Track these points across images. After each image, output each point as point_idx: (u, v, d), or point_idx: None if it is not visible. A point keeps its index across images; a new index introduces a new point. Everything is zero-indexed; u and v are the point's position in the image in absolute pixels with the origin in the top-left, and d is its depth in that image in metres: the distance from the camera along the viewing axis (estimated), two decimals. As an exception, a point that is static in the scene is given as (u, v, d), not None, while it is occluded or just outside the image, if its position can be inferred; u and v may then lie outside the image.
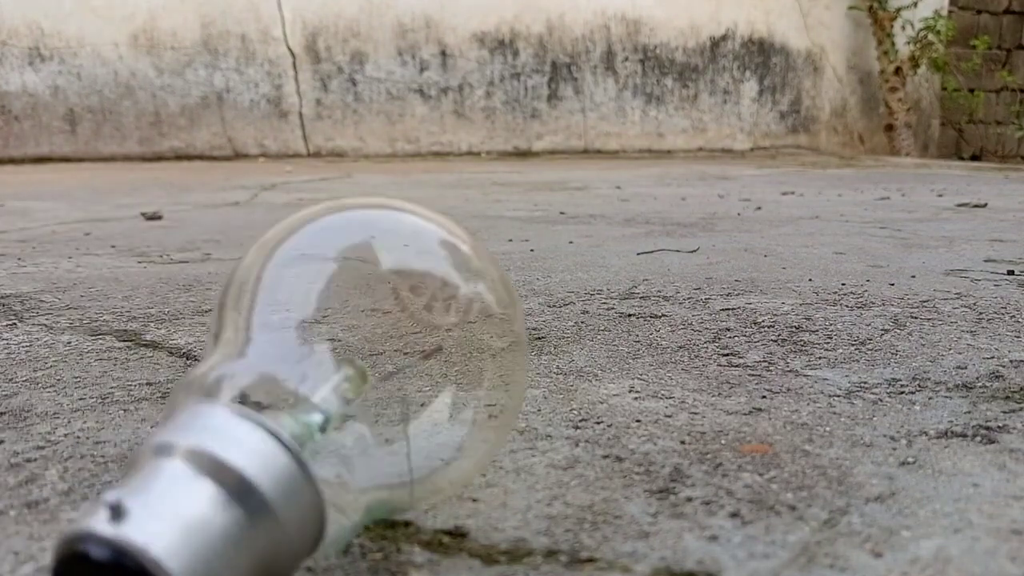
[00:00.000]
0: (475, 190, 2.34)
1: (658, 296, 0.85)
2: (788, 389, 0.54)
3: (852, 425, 0.47)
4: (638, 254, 1.15)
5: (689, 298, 0.84)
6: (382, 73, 3.97)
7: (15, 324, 0.73)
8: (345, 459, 0.29)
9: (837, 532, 0.34)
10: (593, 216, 1.66)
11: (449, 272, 0.37)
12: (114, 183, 2.52)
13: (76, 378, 0.57)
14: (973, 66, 5.01)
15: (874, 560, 0.32)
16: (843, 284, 0.91)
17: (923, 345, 0.65)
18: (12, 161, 3.42)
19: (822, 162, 3.94)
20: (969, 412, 0.49)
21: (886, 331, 0.69)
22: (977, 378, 0.56)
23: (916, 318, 0.74)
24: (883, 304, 0.80)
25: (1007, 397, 0.52)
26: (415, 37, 4.00)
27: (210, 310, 0.79)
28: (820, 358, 0.61)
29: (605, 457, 0.43)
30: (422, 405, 0.34)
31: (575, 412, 0.50)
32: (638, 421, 0.48)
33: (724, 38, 4.58)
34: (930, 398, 0.52)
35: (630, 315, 0.77)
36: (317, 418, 0.29)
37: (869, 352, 0.63)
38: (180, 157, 3.67)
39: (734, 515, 0.36)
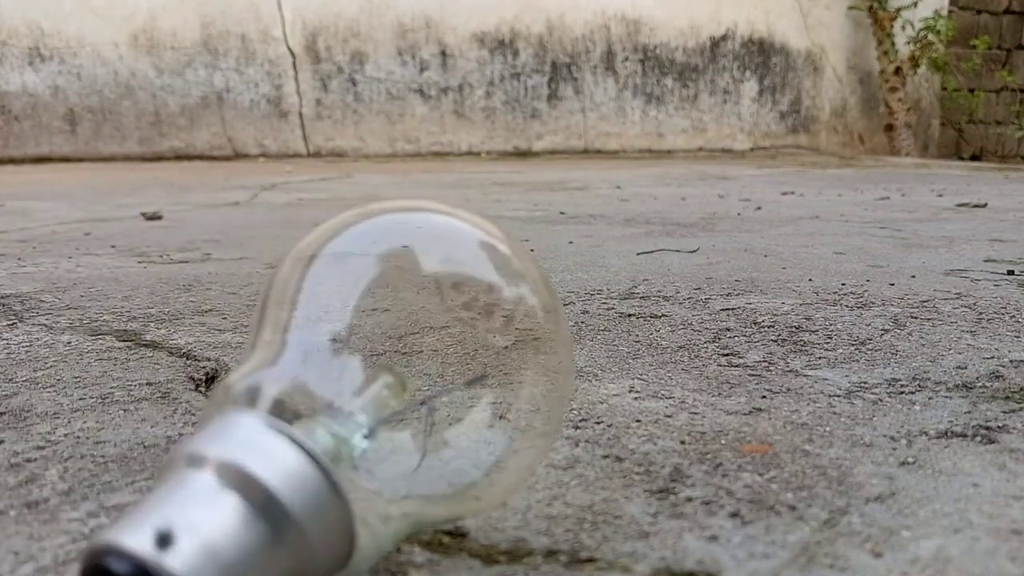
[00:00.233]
0: (475, 190, 2.34)
1: (658, 296, 0.85)
2: (788, 389, 0.54)
3: (852, 425, 0.47)
4: (638, 254, 1.15)
5: (689, 298, 0.84)
6: (382, 73, 3.97)
7: (15, 324, 0.73)
8: (382, 470, 0.29)
9: (837, 532, 0.34)
10: (593, 216, 1.66)
11: (492, 276, 0.36)
12: (114, 183, 2.52)
13: (76, 378, 0.57)
14: (973, 66, 5.01)
15: (874, 560, 0.32)
16: (843, 284, 0.91)
17: (923, 345, 0.65)
18: (12, 161, 3.42)
19: (822, 162, 3.94)
20: (969, 412, 0.49)
21: (886, 331, 0.69)
22: (977, 378, 0.56)
23: (916, 318, 0.74)
24: (883, 304, 0.80)
25: (1007, 397, 0.52)
26: (415, 37, 4.00)
27: (210, 310, 0.79)
28: (820, 358, 0.61)
29: (605, 457, 0.43)
30: (463, 412, 0.33)
31: (575, 412, 0.50)
32: (638, 421, 0.48)
33: (724, 38, 4.58)
34: (930, 398, 0.52)
35: (630, 315, 0.77)
36: (354, 429, 0.28)
37: (869, 352, 0.63)
38: (180, 157, 3.67)
39: (734, 515, 0.36)
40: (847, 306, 0.79)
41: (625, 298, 0.84)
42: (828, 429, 0.47)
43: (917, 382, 0.55)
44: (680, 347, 0.65)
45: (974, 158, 5.17)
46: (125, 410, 0.50)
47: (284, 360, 0.30)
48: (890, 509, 0.36)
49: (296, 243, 0.36)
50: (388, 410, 0.30)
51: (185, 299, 0.84)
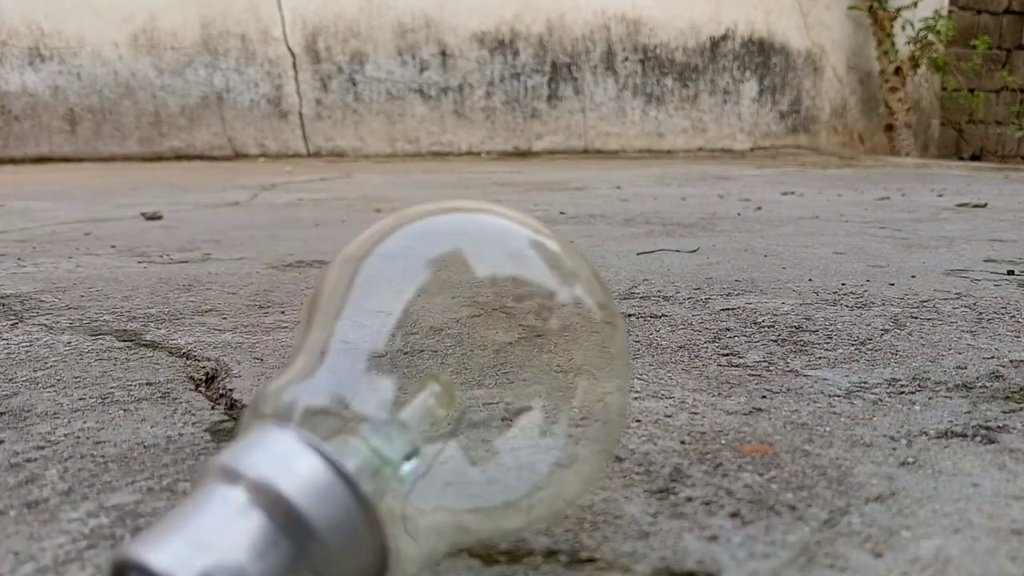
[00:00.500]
0: (475, 190, 2.34)
1: (658, 296, 0.85)
2: (788, 389, 0.54)
3: (852, 425, 0.47)
4: (638, 254, 1.15)
5: (689, 298, 0.84)
6: (382, 73, 3.97)
7: (15, 324, 0.73)
8: (426, 483, 0.28)
9: (837, 532, 0.34)
10: (593, 216, 1.66)
11: (545, 277, 0.34)
12: (114, 183, 2.52)
13: (76, 378, 0.57)
14: (973, 66, 5.01)
15: (874, 560, 0.32)
16: (843, 284, 0.91)
17: (923, 345, 0.65)
18: (12, 161, 3.42)
19: (822, 162, 3.94)
20: (969, 412, 0.49)
21: (886, 331, 0.69)
22: (977, 378, 0.56)
23: (916, 318, 0.74)
24: (883, 304, 0.80)
25: (1007, 397, 0.52)
26: (415, 37, 4.00)
27: (210, 310, 0.79)
28: (820, 358, 0.61)
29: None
30: (513, 418, 0.32)
31: (575, 411, 0.50)
32: (638, 421, 0.48)
33: (724, 38, 4.59)
34: (930, 398, 0.52)
35: (630, 315, 0.76)
36: (397, 442, 0.27)
37: (869, 352, 0.63)
38: (180, 157, 3.67)
39: (734, 515, 0.36)
40: (847, 306, 0.79)
41: (625, 298, 0.84)
42: (828, 429, 0.47)
43: (917, 382, 0.55)
44: (680, 347, 0.65)
45: (974, 158, 5.17)
46: (125, 410, 0.50)
47: (326, 369, 0.29)
48: (890, 509, 0.36)
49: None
50: (435, 421, 0.29)
51: (185, 299, 0.84)
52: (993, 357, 0.61)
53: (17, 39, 3.44)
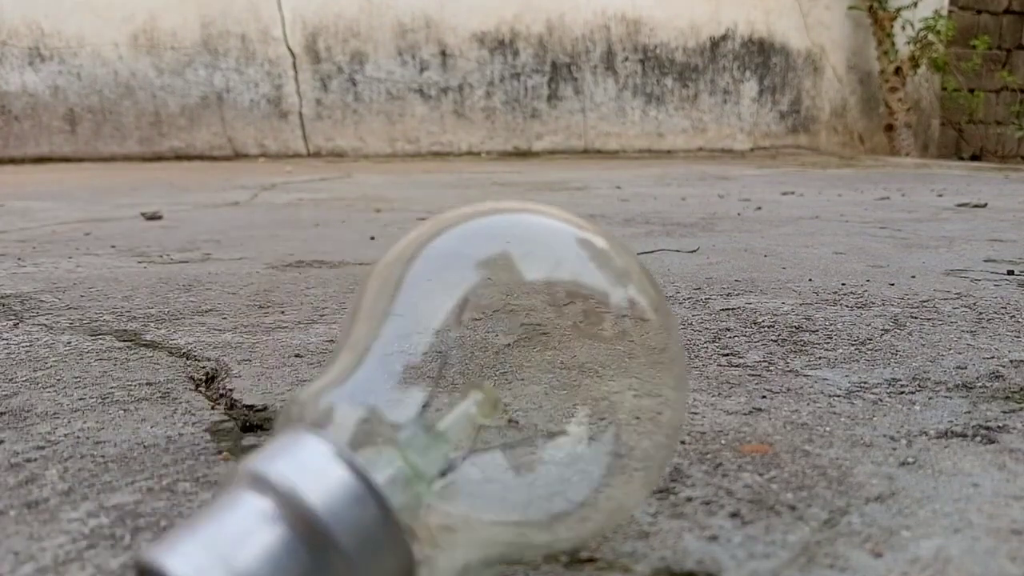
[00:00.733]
0: (475, 190, 2.34)
1: (658, 296, 0.85)
2: (788, 389, 0.54)
3: (852, 425, 0.47)
4: (638, 254, 1.15)
5: (689, 298, 0.84)
6: (382, 73, 3.97)
7: (15, 324, 0.73)
8: (461, 495, 0.27)
9: (837, 532, 0.34)
10: (593, 216, 1.66)
11: (597, 278, 0.33)
12: (114, 183, 2.52)
13: (76, 378, 0.57)
14: (973, 66, 5.01)
15: (874, 560, 0.32)
16: (843, 284, 0.91)
17: (923, 345, 0.65)
18: (12, 161, 3.42)
19: (822, 162, 3.94)
20: (969, 412, 0.49)
21: (886, 331, 0.69)
22: (977, 378, 0.56)
23: (916, 318, 0.74)
24: (883, 304, 0.80)
25: (1007, 397, 0.52)
26: (415, 37, 4.00)
27: (210, 310, 0.79)
28: (820, 358, 0.61)
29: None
30: (557, 430, 0.30)
31: (575, 409, 0.50)
32: (637, 419, 0.48)
33: (724, 38, 4.59)
34: (930, 398, 0.52)
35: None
36: (436, 451, 0.27)
37: (869, 352, 0.63)
38: (180, 157, 3.67)
39: (734, 515, 0.36)
40: (847, 306, 0.79)
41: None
42: (828, 429, 0.46)
43: (917, 382, 0.55)
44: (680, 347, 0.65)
45: (974, 158, 5.17)
46: (125, 410, 0.50)
47: (365, 374, 0.28)
48: (890, 509, 0.36)
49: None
50: (477, 430, 0.28)
51: (185, 299, 0.84)
52: (993, 357, 0.61)
53: (17, 39, 3.44)
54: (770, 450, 0.43)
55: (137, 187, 2.38)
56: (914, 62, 4.76)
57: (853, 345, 0.65)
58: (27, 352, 0.63)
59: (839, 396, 0.52)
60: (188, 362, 0.61)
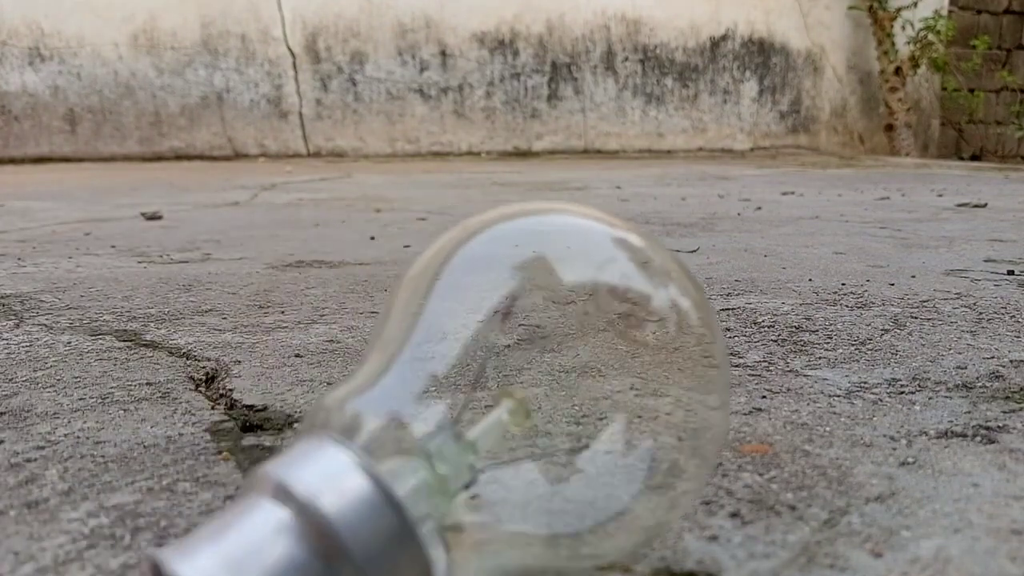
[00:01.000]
0: (475, 190, 2.34)
1: (658, 296, 0.85)
2: (788, 389, 0.54)
3: (852, 425, 0.47)
4: (638, 254, 1.14)
5: (689, 298, 0.84)
6: (382, 73, 3.97)
7: (15, 324, 0.73)
8: (490, 507, 0.26)
9: (837, 532, 0.34)
10: (593, 216, 1.66)
11: (637, 281, 0.32)
12: (114, 183, 2.52)
13: (76, 378, 0.57)
14: (973, 66, 5.01)
15: (874, 560, 0.32)
16: (843, 284, 0.91)
17: (923, 345, 0.65)
18: (12, 161, 3.42)
19: (822, 162, 3.94)
20: (969, 412, 0.49)
21: (886, 331, 0.69)
22: (977, 378, 0.56)
23: (916, 318, 0.74)
24: (883, 304, 0.80)
25: (1007, 397, 0.52)
26: (415, 37, 4.00)
27: (210, 310, 0.79)
28: (820, 358, 0.61)
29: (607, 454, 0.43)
30: (591, 438, 0.29)
31: (576, 409, 0.50)
32: (639, 417, 0.48)
33: (724, 38, 4.59)
34: (930, 398, 0.52)
35: (630, 315, 0.76)
36: (460, 463, 0.26)
37: (869, 352, 0.63)
38: (180, 157, 3.67)
39: (734, 515, 0.36)
40: (847, 306, 0.79)
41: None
42: (828, 429, 0.46)
43: (917, 382, 0.55)
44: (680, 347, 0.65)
45: (974, 158, 5.17)
46: (125, 410, 0.50)
47: (393, 380, 0.27)
48: (890, 509, 0.36)
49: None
50: (508, 439, 0.27)
51: (185, 299, 0.84)
52: (993, 357, 0.61)
53: (17, 39, 3.44)
54: (770, 450, 0.43)
55: (137, 187, 2.38)
56: (914, 62, 4.76)
57: (853, 345, 0.65)
58: (27, 352, 0.63)
59: (839, 396, 0.52)
60: (188, 362, 0.61)
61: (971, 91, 5.10)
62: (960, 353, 0.62)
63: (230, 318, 0.75)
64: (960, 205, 1.89)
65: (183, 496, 0.38)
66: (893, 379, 0.56)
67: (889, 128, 4.83)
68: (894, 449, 0.43)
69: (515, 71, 4.19)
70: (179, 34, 3.65)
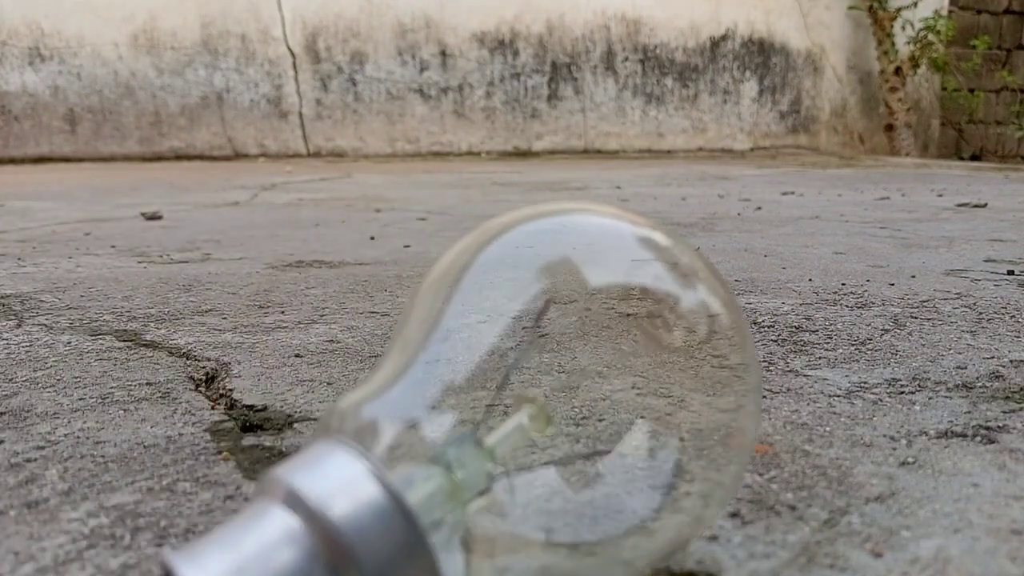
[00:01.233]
0: (475, 190, 2.34)
1: (658, 296, 0.85)
2: (788, 389, 0.54)
3: (852, 425, 0.47)
4: (638, 254, 1.14)
5: (689, 298, 0.84)
6: (382, 73, 3.97)
7: (15, 324, 0.73)
8: (507, 514, 0.26)
9: (837, 532, 0.34)
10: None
11: (666, 282, 0.31)
12: (114, 183, 2.52)
13: (76, 378, 0.57)
14: (973, 66, 5.01)
15: (874, 560, 0.32)
16: (843, 284, 0.91)
17: (923, 345, 0.65)
18: (12, 161, 3.42)
19: (822, 162, 3.94)
20: (969, 412, 0.49)
21: (886, 331, 0.69)
22: (977, 378, 0.56)
23: (916, 318, 0.74)
24: (883, 304, 0.80)
25: (1007, 397, 0.52)
26: (415, 37, 4.00)
27: (210, 310, 0.79)
28: (820, 358, 0.61)
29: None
30: (613, 445, 0.29)
31: (576, 409, 0.50)
32: (641, 418, 0.48)
33: (724, 38, 4.59)
34: (930, 398, 0.52)
35: (629, 315, 0.76)
36: (476, 470, 0.25)
37: (869, 352, 0.63)
38: (180, 157, 3.67)
39: (734, 515, 0.36)
40: (847, 306, 0.79)
41: (625, 298, 0.84)
42: (828, 429, 0.46)
43: (917, 382, 0.55)
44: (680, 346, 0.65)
45: (974, 158, 5.17)
46: (125, 410, 0.50)
47: (409, 385, 0.27)
48: (890, 509, 0.36)
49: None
50: (527, 446, 0.27)
51: (185, 299, 0.84)
52: (993, 357, 0.61)
53: (17, 39, 3.44)
54: (770, 450, 0.43)
55: (137, 187, 2.38)
56: (914, 62, 4.76)
57: (853, 345, 0.65)
58: (27, 352, 0.63)
59: (839, 396, 0.52)
60: (188, 362, 0.61)
61: (971, 91, 5.10)
62: (960, 353, 0.62)
63: (230, 318, 0.75)
64: (960, 205, 1.89)
65: (183, 496, 0.38)
66: (893, 379, 0.56)
67: (889, 128, 4.83)
68: (894, 449, 0.43)
69: (515, 71, 4.19)
70: (179, 34, 3.65)
